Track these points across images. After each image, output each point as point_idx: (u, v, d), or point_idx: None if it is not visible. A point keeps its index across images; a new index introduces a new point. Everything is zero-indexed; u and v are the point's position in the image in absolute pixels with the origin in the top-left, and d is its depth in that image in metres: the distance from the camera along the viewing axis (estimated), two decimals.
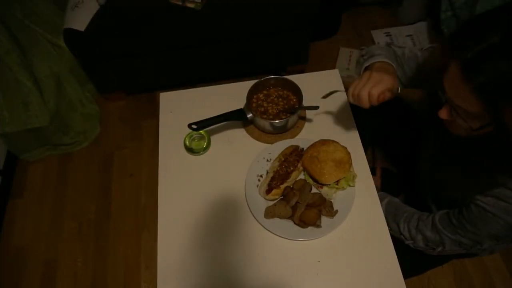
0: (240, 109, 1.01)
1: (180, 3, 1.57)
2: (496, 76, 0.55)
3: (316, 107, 1.00)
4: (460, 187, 0.84)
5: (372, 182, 0.96)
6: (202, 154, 1.02)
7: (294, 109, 1.03)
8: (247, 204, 0.92)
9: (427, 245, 0.92)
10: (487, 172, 0.74)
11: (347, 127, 1.05)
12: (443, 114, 0.69)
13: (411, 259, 0.97)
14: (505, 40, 0.54)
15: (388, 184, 1.43)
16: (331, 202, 0.91)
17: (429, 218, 0.91)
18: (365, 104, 0.80)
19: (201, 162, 1.01)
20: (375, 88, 0.78)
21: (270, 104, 1.06)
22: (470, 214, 0.79)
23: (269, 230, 0.89)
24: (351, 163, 0.93)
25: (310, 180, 0.95)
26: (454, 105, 0.64)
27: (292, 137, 1.04)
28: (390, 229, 0.94)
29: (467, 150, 0.81)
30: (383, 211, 0.93)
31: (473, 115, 0.61)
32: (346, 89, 1.10)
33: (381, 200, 0.95)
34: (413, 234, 0.93)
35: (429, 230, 0.89)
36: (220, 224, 0.92)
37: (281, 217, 0.90)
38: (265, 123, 1.00)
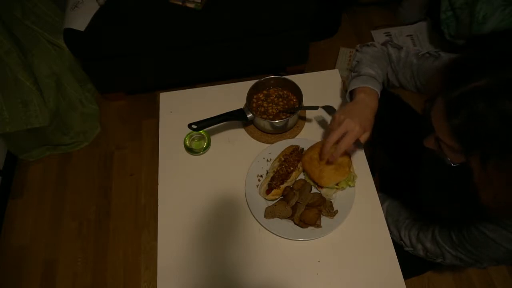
0: (240, 109, 1.01)
1: (180, 3, 1.57)
2: (470, 120, 0.55)
3: (316, 107, 1.00)
4: (459, 205, 0.83)
5: (372, 182, 0.96)
6: (202, 154, 1.02)
7: (294, 109, 1.03)
8: (247, 204, 0.92)
9: (427, 255, 0.91)
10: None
11: None
12: (429, 143, 0.70)
13: (411, 259, 0.97)
14: (489, 84, 0.53)
15: (387, 184, 1.43)
16: (331, 202, 0.91)
17: (429, 229, 0.90)
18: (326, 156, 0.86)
19: (201, 162, 1.01)
20: (342, 145, 0.82)
21: (270, 104, 1.06)
22: (471, 236, 0.77)
23: (269, 230, 0.89)
24: (351, 165, 0.93)
25: (310, 180, 0.95)
26: (438, 137, 0.64)
27: (292, 137, 1.04)
28: (390, 233, 0.93)
29: (463, 175, 0.79)
30: (384, 214, 0.92)
31: (454, 150, 0.62)
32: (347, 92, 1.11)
33: (381, 202, 0.95)
34: (413, 243, 0.93)
35: (429, 241, 0.89)
36: (220, 224, 0.92)
37: (281, 217, 0.90)
38: (265, 123, 1.00)
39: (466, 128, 0.56)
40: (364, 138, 0.84)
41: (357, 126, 0.80)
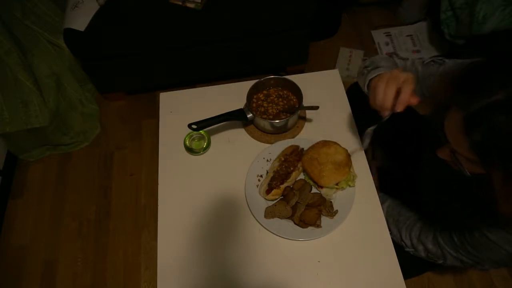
0: (240, 109, 1.01)
1: (180, 3, 1.57)
2: (491, 135, 0.53)
3: (316, 107, 1.00)
4: (459, 205, 0.83)
5: (372, 182, 0.96)
6: (202, 154, 1.02)
7: (294, 109, 1.03)
8: (247, 204, 0.92)
9: (428, 256, 0.91)
10: (484, 203, 0.71)
11: (347, 127, 1.05)
12: (443, 154, 0.68)
13: (411, 259, 0.97)
14: (509, 97, 0.52)
15: (387, 184, 1.43)
16: (331, 202, 0.91)
17: (431, 230, 0.90)
18: (389, 105, 0.72)
19: (201, 162, 1.01)
20: (406, 86, 0.70)
21: (270, 104, 1.06)
22: (472, 239, 0.77)
23: (269, 230, 0.89)
24: (351, 165, 0.93)
25: (310, 180, 0.95)
26: (454, 149, 0.63)
27: (292, 137, 1.04)
28: (391, 233, 0.93)
29: (467, 181, 0.78)
30: (384, 214, 0.92)
31: (472, 161, 0.60)
32: (347, 92, 1.10)
33: (382, 202, 0.95)
34: (414, 244, 0.93)
35: (431, 242, 0.88)
36: (220, 224, 0.92)
37: (281, 217, 0.90)
38: (265, 123, 1.00)
39: (487, 143, 0.55)
40: (415, 99, 0.74)
41: (405, 74, 0.72)
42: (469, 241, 0.78)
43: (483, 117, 0.54)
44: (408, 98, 0.71)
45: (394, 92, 0.72)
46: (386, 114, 0.76)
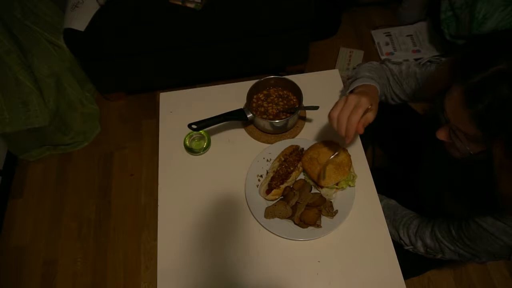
0: (240, 109, 1.01)
1: (180, 3, 1.57)
2: (494, 105, 0.53)
3: (316, 107, 1.00)
4: (459, 201, 0.83)
5: (372, 182, 0.96)
6: (202, 154, 1.02)
7: (294, 109, 1.03)
8: (247, 204, 0.92)
9: (427, 251, 0.91)
10: (485, 193, 0.71)
11: None
12: (441, 135, 0.68)
13: (411, 259, 0.97)
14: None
15: (383, 185, 1.43)
16: (331, 202, 0.91)
17: (428, 225, 0.90)
18: (342, 132, 0.77)
19: (201, 162, 1.01)
20: (354, 115, 0.74)
21: (270, 104, 1.06)
22: (469, 230, 0.77)
23: (269, 230, 0.89)
24: (351, 165, 0.93)
25: (310, 180, 0.95)
26: (454, 127, 0.63)
27: (292, 137, 1.04)
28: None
29: (465, 169, 0.79)
30: None
31: (472, 138, 0.60)
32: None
33: None
34: (412, 240, 0.93)
35: (428, 237, 0.89)
36: (220, 224, 0.92)
37: (281, 217, 0.90)
38: (265, 123, 1.00)
39: (490, 113, 0.54)
40: (370, 117, 0.77)
41: (363, 98, 0.75)
42: (466, 233, 0.78)
43: (485, 88, 0.54)
44: (356, 124, 0.75)
45: (345, 121, 0.76)
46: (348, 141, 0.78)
